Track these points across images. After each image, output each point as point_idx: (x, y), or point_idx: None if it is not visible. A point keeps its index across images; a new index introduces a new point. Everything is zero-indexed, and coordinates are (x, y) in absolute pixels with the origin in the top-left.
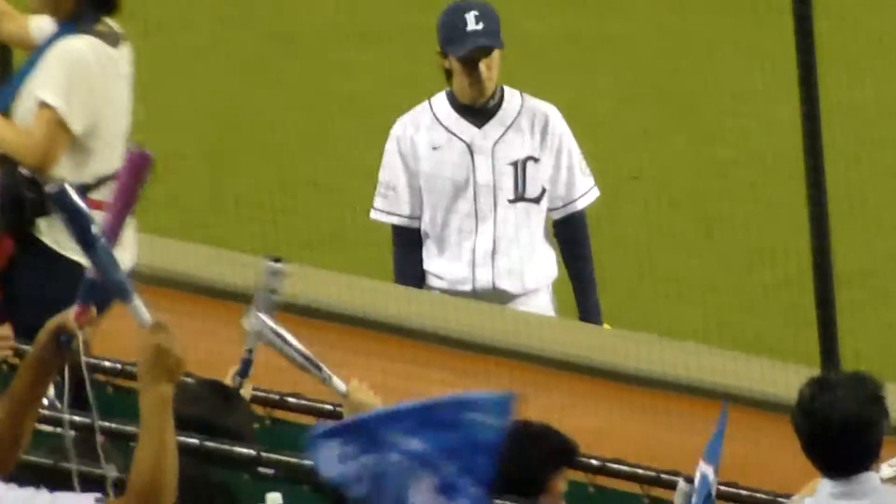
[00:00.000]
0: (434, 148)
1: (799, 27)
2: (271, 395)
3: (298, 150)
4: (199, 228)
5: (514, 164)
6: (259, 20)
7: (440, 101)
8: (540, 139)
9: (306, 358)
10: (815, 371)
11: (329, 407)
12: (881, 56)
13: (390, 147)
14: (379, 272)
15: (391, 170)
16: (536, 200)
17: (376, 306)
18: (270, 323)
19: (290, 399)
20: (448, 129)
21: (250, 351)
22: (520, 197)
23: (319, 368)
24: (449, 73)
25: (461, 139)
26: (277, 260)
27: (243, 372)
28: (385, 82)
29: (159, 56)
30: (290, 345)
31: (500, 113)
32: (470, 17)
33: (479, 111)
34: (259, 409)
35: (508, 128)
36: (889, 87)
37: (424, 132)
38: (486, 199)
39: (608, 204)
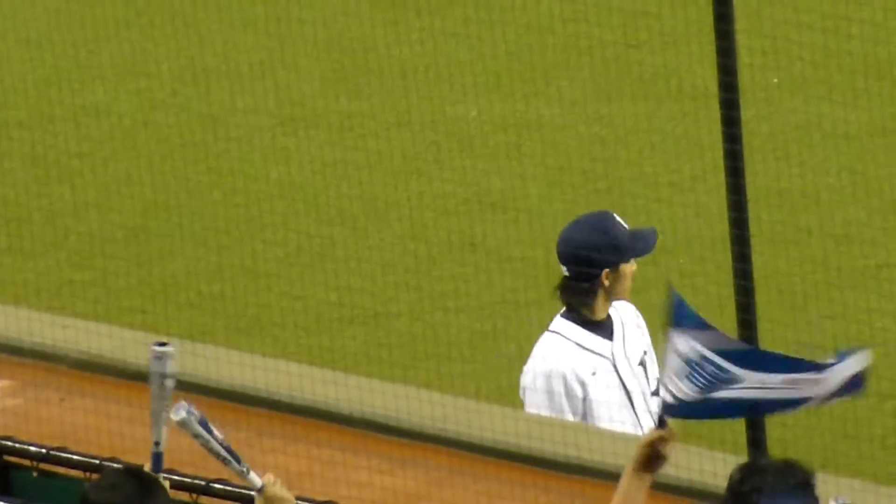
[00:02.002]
0: (593, 374)
1: (725, 115)
2: (197, 482)
3: (229, 235)
4: (127, 313)
5: (642, 363)
6: (187, 104)
7: (567, 326)
8: (640, 332)
9: (227, 450)
10: (743, 459)
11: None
12: (807, 143)
13: (557, 389)
14: (307, 356)
15: (559, 412)
16: (657, 392)
17: (303, 391)
18: (196, 412)
19: (216, 485)
20: (593, 352)
21: (157, 443)
22: (654, 392)
23: (239, 461)
24: (587, 291)
25: (605, 357)
26: (163, 344)
27: (156, 467)
28: (316, 167)
29: (85, 138)
30: (213, 435)
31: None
32: (619, 220)
33: (604, 322)
34: (184, 496)
35: (623, 330)
36: (815, 175)
37: (578, 363)
38: (641, 405)
39: (537, 288)
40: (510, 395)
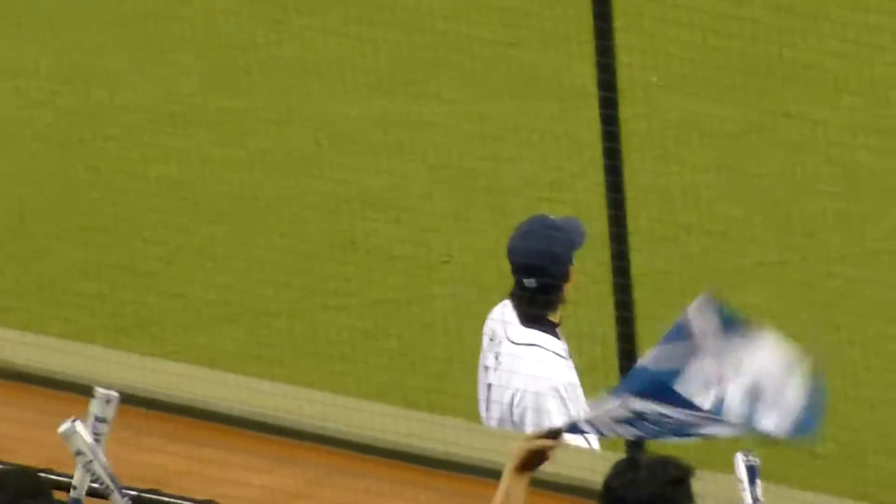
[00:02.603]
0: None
1: (604, 113)
2: None
3: (108, 233)
4: (4, 312)
5: None
6: (65, 102)
7: (543, 338)
8: None
9: (111, 477)
10: (622, 455)
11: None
12: (685, 142)
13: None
14: (186, 355)
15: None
16: None
17: (183, 390)
18: (88, 439)
19: None
20: (566, 357)
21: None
22: None
23: (121, 493)
24: (558, 298)
25: (568, 358)
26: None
27: None
28: (196, 165)
29: None
30: (101, 463)
31: None
32: (553, 218)
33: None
34: None
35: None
36: (693, 173)
37: (569, 373)
38: None
39: (419, 286)
40: (390, 394)
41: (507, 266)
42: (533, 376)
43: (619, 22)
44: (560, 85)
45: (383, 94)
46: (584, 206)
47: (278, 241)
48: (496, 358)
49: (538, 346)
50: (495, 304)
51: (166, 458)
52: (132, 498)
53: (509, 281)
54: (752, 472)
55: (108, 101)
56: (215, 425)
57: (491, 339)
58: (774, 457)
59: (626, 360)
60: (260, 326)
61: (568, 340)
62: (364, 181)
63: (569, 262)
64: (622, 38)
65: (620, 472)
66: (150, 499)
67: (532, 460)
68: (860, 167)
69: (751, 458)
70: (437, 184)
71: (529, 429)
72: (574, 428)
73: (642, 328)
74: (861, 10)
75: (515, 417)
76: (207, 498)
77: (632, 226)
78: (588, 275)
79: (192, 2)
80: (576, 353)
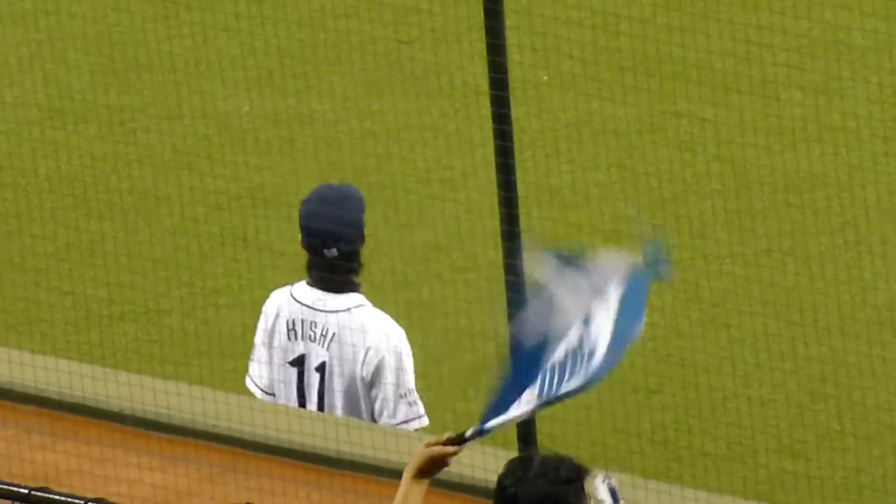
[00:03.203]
0: None
1: (496, 112)
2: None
3: (7, 231)
4: None
5: None
6: None
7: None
8: None
9: None
10: (513, 454)
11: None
12: (576, 140)
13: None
14: (76, 353)
15: None
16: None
17: (73, 388)
18: None
19: None
20: None
21: None
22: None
23: None
24: (359, 264)
25: None
26: None
27: None
28: (85, 162)
29: None
30: None
31: None
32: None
33: None
34: None
35: None
36: (584, 172)
37: None
38: None
39: None
40: None
41: (398, 266)
42: (382, 332)
43: (510, 20)
44: (452, 83)
45: (274, 91)
46: (476, 205)
47: (169, 238)
48: (322, 335)
49: (365, 305)
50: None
51: (56, 456)
52: (21, 496)
53: (400, 280)
54: (614, 494)
55: None
56: (106, 423)
57: (292, 329)
58: (665, 456)
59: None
60: (151, 324)
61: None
62: (255, 178)
63: (362, 225)
64: (514, 37)
65: (513, 470)
66: (40, 497)
67: (432, 466)
68: (749, 166)
69: (611, 481)
70: (327, 181)
71: (389, 386)
72: (479, 433)
73: None
74: (750, 9)
75: (367, 378)
76: (98, 497)
77: (524, 224)
78: (480, 272)
79: None
80: (468, 351)
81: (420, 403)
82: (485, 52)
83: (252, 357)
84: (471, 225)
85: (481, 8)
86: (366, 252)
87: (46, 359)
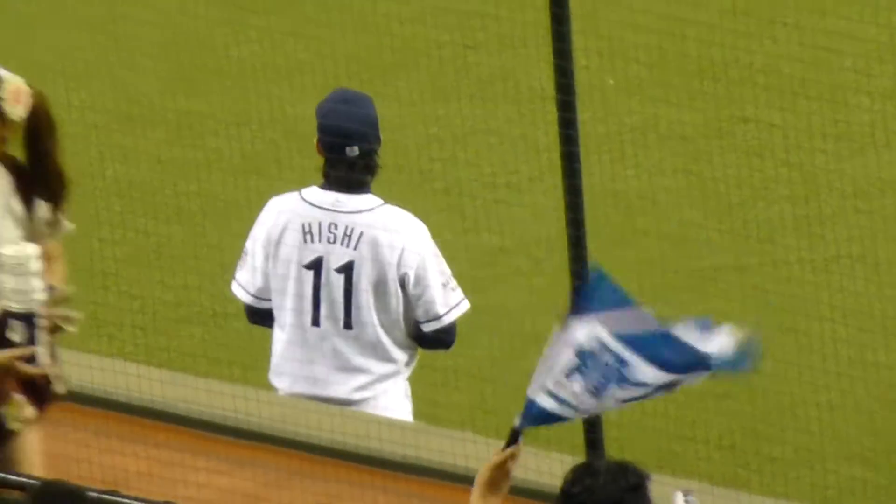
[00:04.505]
0: None
1: (562, 116)
2: None
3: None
4: None
5: None
6: None
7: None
8: None
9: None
10: (580, 460)
11: None
12: (642, 145)
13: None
14: (144, 356)
15: None
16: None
17: (141, 391)
18: None
19: None
20: None
21: None
22: None
23: None
24: (375, 156)
25: None
26: None
27: None
28: (153, 166)
29: None
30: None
31: None
32: None
33: None
34: None
35: None
36: (650, 177)
37: None
38: None
39: None
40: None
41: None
42: (411, 231)
43: (576, 25)
44: (517, 87)
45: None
46: (541, 209)
47: (235, 242)
48: (347, 235)
49: (386, 204)
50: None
51: (125, 459)
52: (93, 500)
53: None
54: None
55: (65, 101)
56: (174, 427)
57: (308, 232)
58: (733, 462)
59: None
60: (217, 327)
61: None
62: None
63: (379, 127)
64: (580, 42)
65: (579, 477)
66: (110, 500)
67: (497, 479)
68: (818, 171)
69: (690, 498)
70: (393, 185)
71: (433, 287)
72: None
73: None
74: (818, 14)
75: (406, 279)
76: (166, 500)
77: (590, 229)
78: (545, 277)
79: (152, 4)
80: (534, 356)
81: (459, 289)
82: (551, 57)
83: (242, 264)
84: (536, 229)
85: (547, 12)
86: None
87: (115, 362)
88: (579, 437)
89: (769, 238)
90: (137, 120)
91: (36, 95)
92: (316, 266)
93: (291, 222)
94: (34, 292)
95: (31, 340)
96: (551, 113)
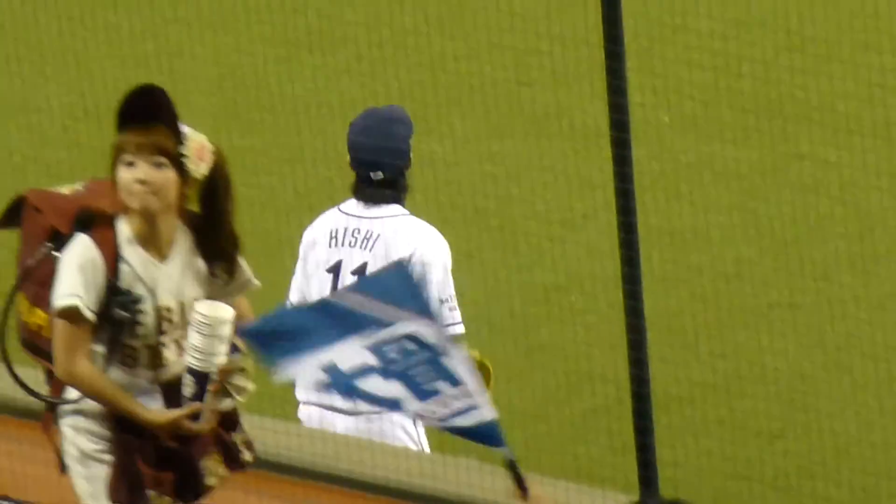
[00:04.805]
0: None
1: (617, 153)
2: None
3: None
4: None
5: None
6: (77, 139)
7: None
8: None
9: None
10: (634, 498)
11: None
12: (697, 182)
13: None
14: None
15: None
16: None
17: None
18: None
19: None
20: None
21: None
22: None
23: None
24: (403, 179)
25: None
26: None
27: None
28: None
29: None
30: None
31: None
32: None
33: None
34: None
35: None
36: (705, 214)
37: None
38: None
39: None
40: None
41: (519, 307)
42: (426, 237)
43: (631, 62)
44: (572, 124)
45: None
46: (595, 246)
47: (289, 280)
48: (366, 238)
49: (410, 215)
50: (506, 342)
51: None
52: None
53: (519, 322)
54: None
55: None
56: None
57: (333, 237)
58: (788, 501)
59: (640, 401)
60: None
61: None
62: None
63: (409, 148)
64: (634, 79)
65: None
66: None
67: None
68: (873, 209)
69: None
70: (447, 222)
71: (432, 287)
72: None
73: (656, 369)
74: (873, 51)
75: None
76: None
77: (644, 266)
78: (599, 315)
79: (207, 41)
80: (588, 395)
81: (458, 311)
82: (605, 94)
83: (291, 286)
84: (591, 267)
85: (602, 50)
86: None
87: None
88: (633, 476)
89: (823, 276)
90: None
91: (216, 153)
92: (336, 269)
93: (324, 228)
94: (216, 355)
95: (199, 397)
96: (606, 150)
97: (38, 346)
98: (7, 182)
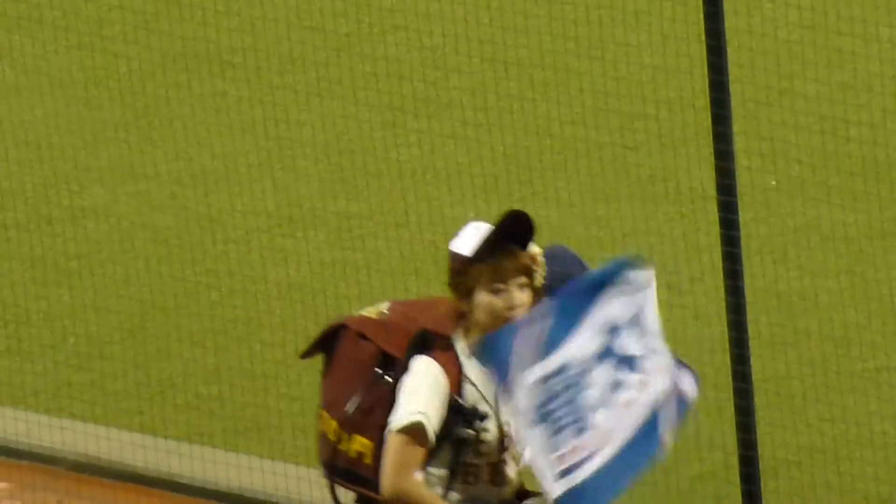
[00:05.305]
0: None
1: (724, 217)
2: None
3: (227, 336)
4: (125, 414)
5: None
6: (185, 205)
7: None
8: None
9: None
10: None
11: None
12: (805, 246)
13: None
14: (304, 458)
15: None
16: None
17: (301, 493)
18: None
19: None
20: None
21: None
22: None
23: None
24: None
25: None
26: None
27: None
28: (314, 268)
29: (83, 240)
30: None
31: None
32: None
33: None
34: None
35: None
36: (813, 278)
37: None
38: None
39: None
40: None
41: None
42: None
43: (737, 126)
44: (678, 188)
45: (500, 197)
46: (702, 310)
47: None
48: None
49: None
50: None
51: None
52: None
53: None
54: None
55: (227, 205)
56: None
57: None
58: None
59: (747, 466)
60: None
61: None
62: None
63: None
64: (741, 143)
65: None
66: None
67: None
68: None
69: None
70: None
71: None
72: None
73: (763, 434)
74: None
75: None
76: None
77: (752, 330)
78: (707, 380)
79: (312, 107)
80: (695, 461)
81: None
82: (711, 157)
83: None
84: (698, 331)
85: (708, 113)
86: None
87: (275, 464)
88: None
89: None
90: (298, 223)
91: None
92: None
93: None
94: None
95: None
96: (712, 213)
97: (356, 474)
98: (115, 248)
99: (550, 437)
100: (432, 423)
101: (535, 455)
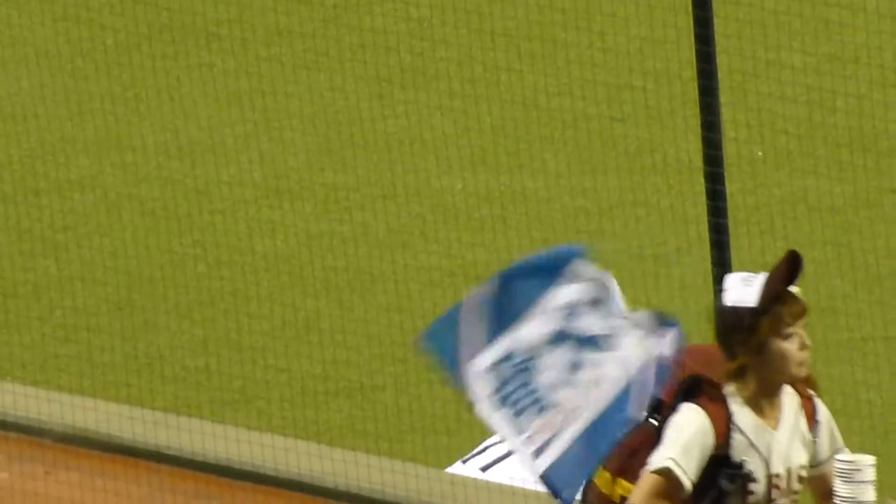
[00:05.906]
0: None
1: (710, 188)
2: None
3: (214, 308)
4: (112, 386)
5: None
6: (171, 176)
7: None
8: None
9: None
10: None
11: None
12: (791, 217)
13: None
14: (292, 430)
15: None
16: None
17: (288, 464)
18: None
19: None
20: None
21: None
22: None
23: None
24: None
25: None
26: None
27: None
28: (301, 240)
29: (70, 212)
30: None
31: None
32: None
33: None
34: None
35: None
36: (799, 248)
37: None
38: None
39: None
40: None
41: None
42: None
43: (724, 97)
44: (665, 159)
45: (487, 169)
46: (689, 282)
47: (382, 315)
48: None
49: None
50: None
51: None
52: None
53: None
54: None
55: (214, 176)
56: (321, 500)
57: None
58: None
59: None
60: (364, 400)
61: None
62: (468, 255)
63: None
64: (728, 114)
65: None
66: None
67: None
68: None
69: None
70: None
71: None
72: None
73: None
74: None
75: None
76: None
77: None
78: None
79: (300, 79)
80: None
81: None
82: (699, 129)
83: None
84: (684, 302)
85: (695, 85)
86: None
87: (262, 435)
88: None
89: None
90: (285, 194)
91: None
92: None
93: None
94: (863, 499)
95: None
96: (699, 184)
97: None
98: (102, 219)
99: (513, 420)
100: (686, 473)
101: (506, 439)
